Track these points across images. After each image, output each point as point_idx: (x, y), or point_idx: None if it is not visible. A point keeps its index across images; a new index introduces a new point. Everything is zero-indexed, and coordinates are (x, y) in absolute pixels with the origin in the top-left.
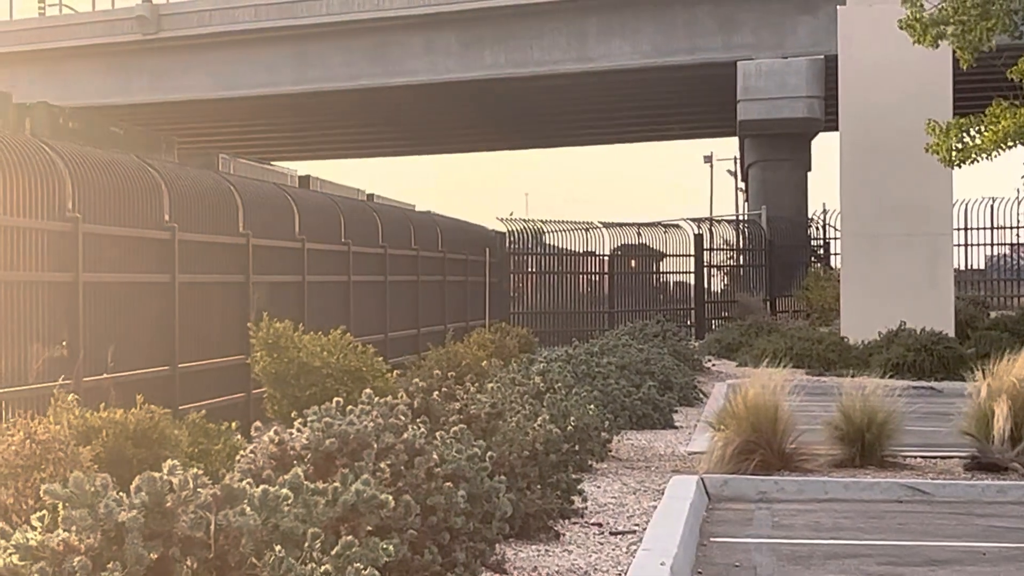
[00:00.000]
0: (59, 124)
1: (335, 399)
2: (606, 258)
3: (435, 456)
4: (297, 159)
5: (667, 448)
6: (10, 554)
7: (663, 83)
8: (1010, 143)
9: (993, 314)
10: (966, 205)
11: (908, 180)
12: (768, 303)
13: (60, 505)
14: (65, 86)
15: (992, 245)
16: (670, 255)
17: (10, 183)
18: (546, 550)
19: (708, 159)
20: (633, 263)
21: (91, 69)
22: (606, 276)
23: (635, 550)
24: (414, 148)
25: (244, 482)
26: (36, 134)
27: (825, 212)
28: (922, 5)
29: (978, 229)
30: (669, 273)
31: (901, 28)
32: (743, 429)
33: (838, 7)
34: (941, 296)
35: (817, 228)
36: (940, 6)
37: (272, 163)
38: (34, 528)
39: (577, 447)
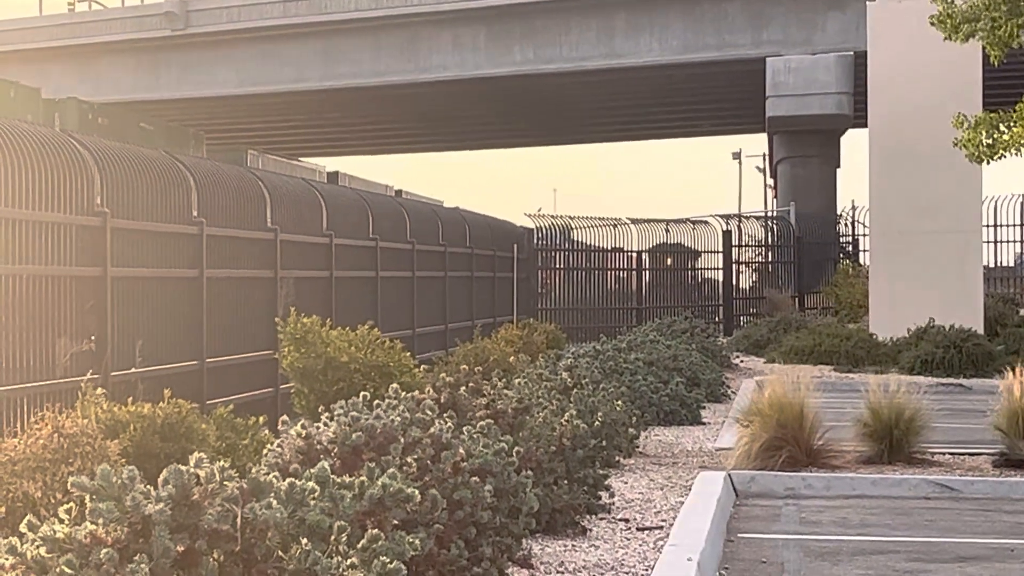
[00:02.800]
0: (88, 119)
1: (362, 394)
2: (634, 254)
3: (462, 451)
4: (326, 155)
5: (695, 444)
6: (38, 546)
7: (692, 79)
8: None
9: (1023, 311)
10: (995, 202)
11: (937, 177)
12: (796, 300)
13: (87, 498)
14: (94, 82)
15: (1022, 242)
16: (699, 252)
17: (40, 178)
18: (573, 545)
19: (737, 155)
20: (669, 261)
21: (120, 65)
22: (634, 272)
23: (662, 546)
24: (442, 144)
25: (271, 475)
26: (65, 129)
27: (854, 208)
28: (953, 1)
29: (1007, 226)
30: (697, 269)
31: (932, 24)
32: (770, 425)
33: (867, 3)
34: (970, 293)
35: (846, 225)
36: (971, 2)
37: (301, 159)
38: (61, 521)
39: (604, 443)
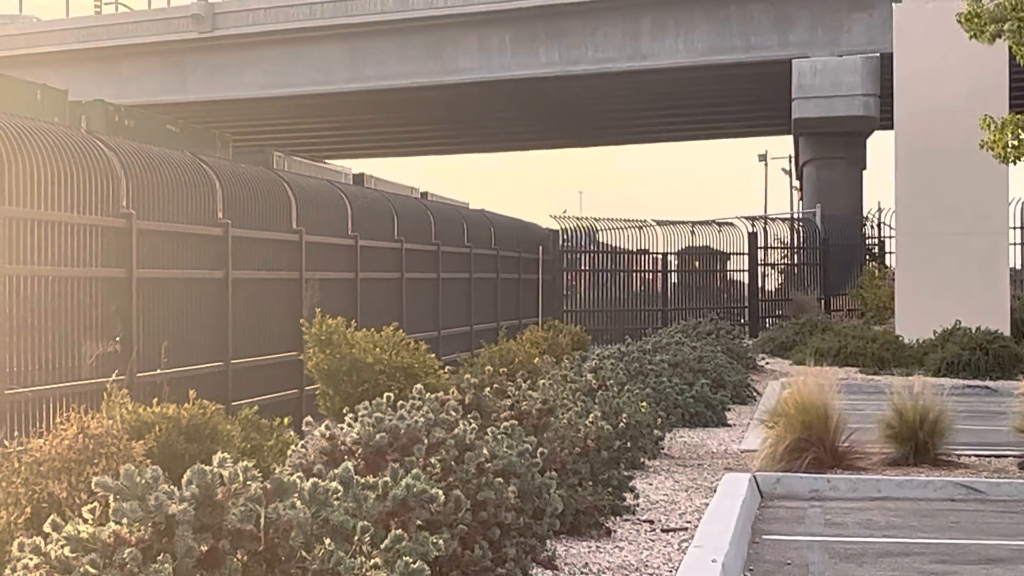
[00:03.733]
0: (115, 121)
1: (386, 395)
2: (660, 256)
3: (486, 452)
4: (351, 157)
5: (719, 446)
6: (62, 546)
7: (717, 81)
8: None
9: None
10: (1022, 203)
11: (964, 178)
12: (822, 301)
13: (111, 498)
14: (121, 84)
15: None
16: (728, 254)
17: (66, 179)
18: (597, 547)
19: (763, 157)
20: (697, 263)
21: (147, 67)
22: (659, 274)
23: (687, 547)
24: (468, 146)
25: (295, 476)
26: (91, 131)
27: (880, 210)
28: (980, 0)
29: None
30: (723, 271)
31: (959, 22)
32: (796, 427)
33: (893, 4)
34: (997, 295)
35: (872, 227)
36: (998, 2)
37: (326, 161)
38: (85, 521)
39: (629, 444)
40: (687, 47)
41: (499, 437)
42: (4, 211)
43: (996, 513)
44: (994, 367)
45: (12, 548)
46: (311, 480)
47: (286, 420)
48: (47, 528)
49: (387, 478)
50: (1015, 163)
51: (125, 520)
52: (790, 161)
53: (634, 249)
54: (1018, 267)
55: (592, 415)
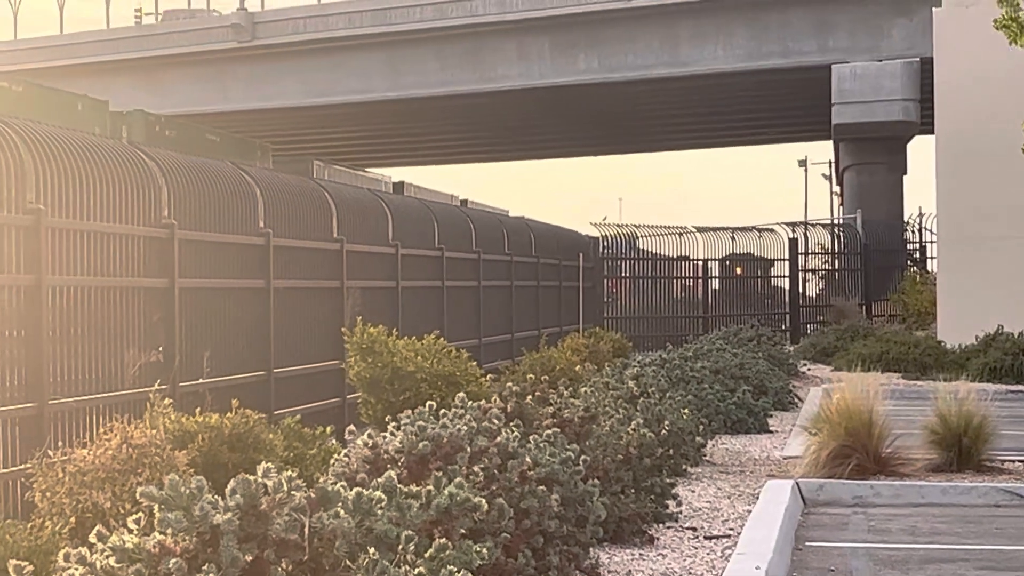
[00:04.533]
0: (155, 131)
1: (428, 403)
2: (700, 263)
3: (528, 459)
4: (391, 165)
5: (762, 452)
6: (107, 556)
7: (756, 87)
8: None
9: None
10: None
11: (1005, 182)
12: (864, 307)
13: (156, 508)
14: (161, 94)
15: None
16: (771, 261)
17: (108, 190)
18: (640, 554)
19: (803, 163)
20: (739, 270)
21: (187, 77)
22: (700, 281)
23: (730, 554)
24: (507, 153)
25: (338, 485)
26: (133, 141)
27: (921, 215)
28: (1019, 5)
29: None
30: (765, 277)
31: (997, 28)
32: (838, 433)
33: (933, 9)
34: None
35: (913, 231)
36: None
37: (366, 169)
38: (130, 531)
39: (671, 451)
40: (726, 53)
41: (541, 445)
42: (48, 222)
43: None
44: None
45: (58, 558)
46: (355, 489)
47: (328, 429)
48: (92, 538)
49: (430, 487)
50: None
51: (170, 530)
52: (830, 166)
53: (674, 256)
54: None
55: (634, 422)
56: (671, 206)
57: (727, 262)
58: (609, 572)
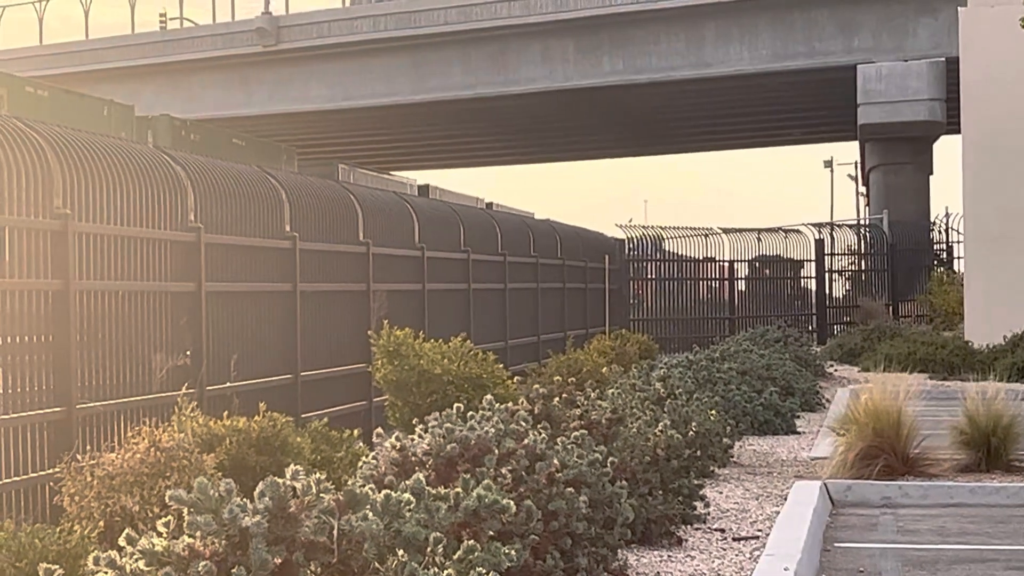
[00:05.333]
0: (181, 136)
1: (456, 405)
2: (726, 264)
3: (556, 461)
4: (416, 168)
5: (789, 454)
6: (136, 559)
7: (782, 87)
8: None
9: None
10: None
11: None
12: (890, 307)
13: (185, 511)
14: (187, 98)
15: None
16: (801, 262)
17: (134, 194)
18: (668, 556)
19: (828, 163)
20: (768, 271)
21: (212, 81)
22: (726, 282)
23: (758, 556)
24: (532, 156)
25: (366, 487)
26: (158, 146)
27: (948, 215)
28: None
29: None
30: (792, 278)
31: (1022, 26)
32: (866, 434)
33: (959, 8)
34: None
35: (940, 232)
36: None
37: (391, 172)
38: (160, 534)
39: (699, 453)
40: (751, 54)
41: (569, 447)
42: (75, 227)
43: None
44: None
45: (87, 562)
46: (383, 492)
47: (355, 432)
48: (122, 542)
49: (458, 489)
50: None
51: (199, 533)
52: (856, 167)
53: (700, 257)
54: None
55: (661, 424)
56: (696, 207)
57: (756, 263)
58: (637, 574)
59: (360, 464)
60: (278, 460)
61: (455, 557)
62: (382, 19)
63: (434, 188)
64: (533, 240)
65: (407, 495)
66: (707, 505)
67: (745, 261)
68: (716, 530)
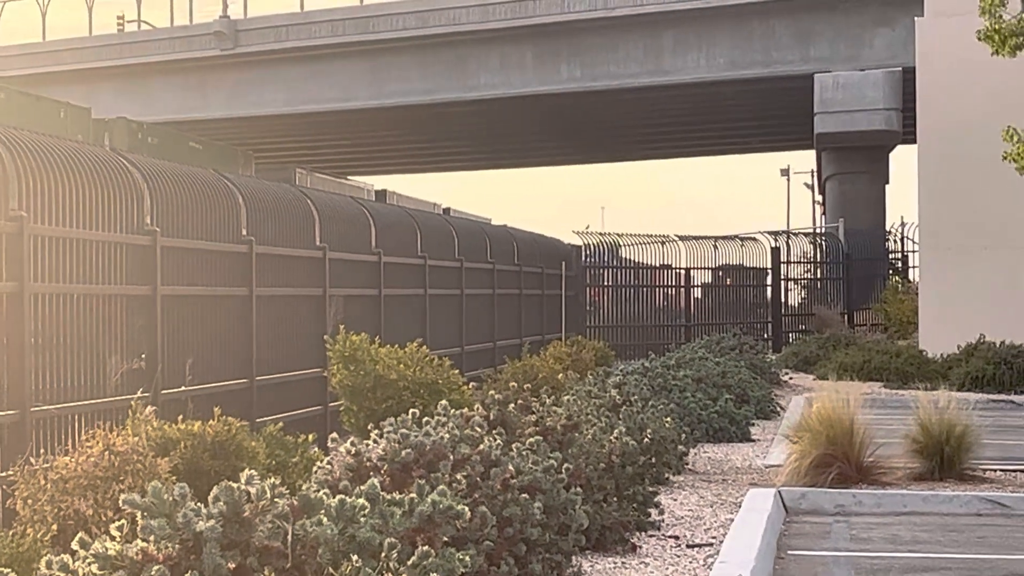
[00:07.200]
0: (137, 139)
1: (411, 411)
2: (683, 271)
3: (511, 468)
4: (374, 173)
5: (744, 461)
6: (90, 563)
7: (739, 96)
8: None
9: None
10: None
11: (987, 192)
12: (846, 316)
13: (139, 515)
14: (144, 101)
15: None
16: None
17: (90, 197)
18: (623, 562)
19: (785, 172)
20: (729, 280)
21: (169, 84)
22: (683, 289)
23: (712, 563)
24: (490, 162)
25: (321, 492)
26: (115, 148)
27: (903, 225)
28: (1001, 16)
29: None
30: (748, 286)
31: (980, 39)
32: (820, 442)
33: (916, 19)
34: (1021, 309)
35: (895, 241)
36: (1020, 16)
37: (349, 177)
38: (113, 538)
39: (654, 460)
40: (709, 62)
41: (524, 453)
42: (31, 229)
43: (1022, 528)
44: (1019, 381)
45: (40, 565)
46: (338, 497)
47: (311, 437)
48: (75, 545)
49: (413, 494)
50: None
51: (153, 537)
52: (812, 176)
53: (657, 264)
54: None
55: (616, 431)
56: (653, 215)
57: (719, 272)
58: None
59: (315, 469)
60: (233, 464)
61: (409, 563)
62: (340, 24)
63: (392, 193)
64: (490, 246)
65: (362, 500)
66: (662, 512)
67: (702, 268)
68: (670, 537)
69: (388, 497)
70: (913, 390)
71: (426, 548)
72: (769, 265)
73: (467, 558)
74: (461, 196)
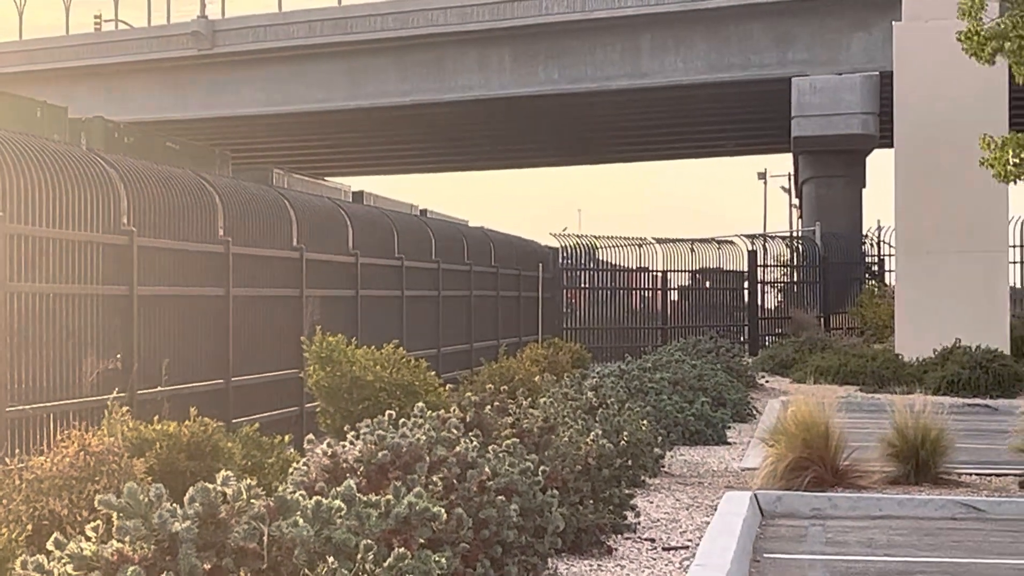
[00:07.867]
0: (114, 138)
1: (388, 412)
2: (660, 274)
3: (487, 470)
4: (351, 174)
5: (720, 464)
6: (65, 564)
7: (716, 99)
8: None
9: None
10: (1022, 222)
11: (963, 197)
12: (822, 320)
13: (114, 515)
14: (121, 101)
15: None
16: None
17: (67, 196)
18: (599, 565)
19: (762, 175)
20: (708, 283)
21: (147, 84)
22: (659, 292)
23: (688, 565)
24: (468, 163)
25: (297, 494)
26: (92, 148)
27: (880, 229)
28: (980, 19)
29: None
30: (725, 289)
31: (958, 40)
32: (796, 445)
33: (893, 23)
34: (996, 313)
35: (872, 245)
36: (998, 20)
37: (326, 178)
38: (88, 538)
39: (630, 462)
40: (686, 65)
41: (501, 455)
42: (6, 228)
43: (997, 532)
44: (994, 385)
45: (14, 566)
46: (314, 498)
47: (287, 437)
48: (50, 546)
49: (389, 496)
50: (1015, 182)
51: (128, 538)
52: (789, 179)
53: (634, 267)
54: (1018, 286)
55: (593, 433)
56: (631, 217)
57: (697, 275)
58: None
59: (291, 470)
60: (209, 465)
61: (385, 564)
62: (318, 24)
63: (369, 194)
64: (467, 248)
65: (338, 502)
66: (638, 515)
67: (679, 271)
68: (646, 539)
69: (364, 499)
70: (889, 394)
71: (402, 550)
72: (746, 268)
73: (443, 560)
74: (438, 197)
